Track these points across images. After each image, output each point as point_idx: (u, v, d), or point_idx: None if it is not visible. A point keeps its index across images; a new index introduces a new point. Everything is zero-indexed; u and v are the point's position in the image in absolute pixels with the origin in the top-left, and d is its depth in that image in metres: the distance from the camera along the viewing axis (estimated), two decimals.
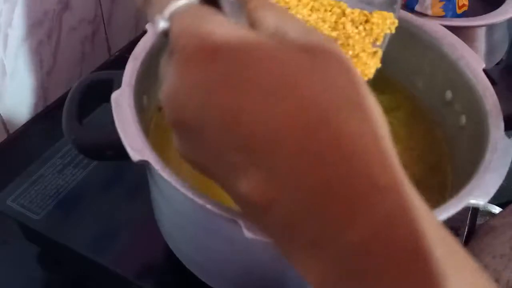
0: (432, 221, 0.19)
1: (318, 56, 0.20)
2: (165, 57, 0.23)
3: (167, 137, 0.46)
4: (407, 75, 0.52)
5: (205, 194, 0.32)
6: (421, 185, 0.44)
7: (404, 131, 0.48)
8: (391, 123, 0.49)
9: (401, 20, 0.49)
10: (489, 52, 0.67)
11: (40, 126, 0.62)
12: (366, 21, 0.38)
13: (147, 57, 0.42)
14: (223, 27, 0.20)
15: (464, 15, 0.66)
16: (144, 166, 0.34)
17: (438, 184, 0.44)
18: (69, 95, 0.42)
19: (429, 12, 0.64)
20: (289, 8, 0.36)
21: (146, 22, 0.44)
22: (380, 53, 0.39)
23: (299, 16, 0.36)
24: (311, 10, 0.37)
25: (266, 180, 0.18)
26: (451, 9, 0.64)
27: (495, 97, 0.42)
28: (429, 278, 0.17)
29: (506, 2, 0.66)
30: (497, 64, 0.70)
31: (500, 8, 0.65)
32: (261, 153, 0.18)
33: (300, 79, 0.19)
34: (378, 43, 0.39)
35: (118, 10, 0.70)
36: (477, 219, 0.55)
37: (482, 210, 0.56)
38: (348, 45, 0.37)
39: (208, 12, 0.21)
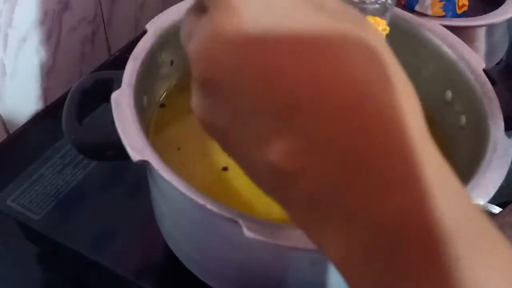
0: (463, 204, 0.18)
1: (354, 42, 0.18)
2: (192, 11, 0.21)
3: (167, 137, 0.46)
4: (407, 75, 0.52)
5: (205, 194, 0.32)
6: None
7: None
8: None
9: (401, 20, 0.50)
10: (489, 52, 0.67)
11: (40, 126, 0.62)
12: None
13: (147, 57, 0.42)
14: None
15: (464, 15, 0.66)
16: (144, 166, 0.34)
17: None
18: (69, 95, 0.42)
19: (429, 12, 0.64)
20: None
21: (146, 22, 0.44)
22: None
23: None
24: None
25: (300, 146, 0.17)
26: (451, 9, 0.64)
27: (495, 97, 0.42)
28: (446, 264, 0.17)
29: (506, 2, 0.66)
30: (497, 64, 0.70)
31: (500, 8, 0.65)
32: (300, 118, 0.17)
33: (344, 53, 0.18)
34: None
35: (118, 10, 0.70)
36: None
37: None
38: None
39: None
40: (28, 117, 0.63)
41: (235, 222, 0.31)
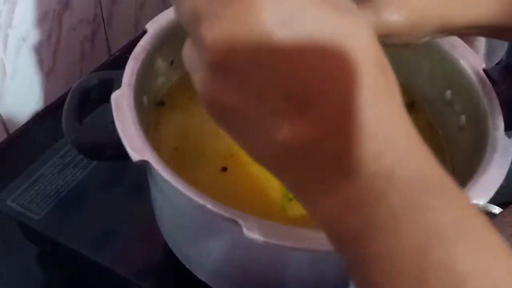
0: (431, 162, 0.22)
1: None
2: None
3: (166, 137, 0.46)
4: (407, 74, 0.52)
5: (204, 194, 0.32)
6: None
7: None
8: None
9: None
10: (489, 52, 0.67)
11: (40, 126, 0.62)
12: None
13: (147, 57, 0.42)
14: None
15: None
16: (144, 166, 0.34)
17: None
18: (69, 95, 0.42)
19: None
20: None
21: (146, 22, 0.44)
22: None
23: None
24: None
25: (313, 124, 0.19)
26: None
27: (495, 97, 0.42)
28: (432, 204, 0.20)
29: None
30: (497, 64, 0.70)
31: None
32: (316, 99, 0.19)
33: (355, 55, 0.20)
34: None
35: (118, 10, 0.70)
36: None
37: (482, 210, 0.56)
38: None
39: None
40: (28, 117, 0.63)
41: (235, 222, 0.31)
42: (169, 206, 0.40)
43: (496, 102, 0.41)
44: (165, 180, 0.33)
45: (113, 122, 0.35)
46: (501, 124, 0.39)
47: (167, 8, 0.45)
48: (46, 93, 0.64)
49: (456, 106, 0.46)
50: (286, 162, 0.21)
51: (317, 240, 0.30)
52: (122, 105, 0.36)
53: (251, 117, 0.20)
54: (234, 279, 0.41)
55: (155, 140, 0.44)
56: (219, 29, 0.19)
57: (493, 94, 0.42)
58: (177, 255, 0.43)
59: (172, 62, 0.48)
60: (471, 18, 0.38)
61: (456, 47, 0.46)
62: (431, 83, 0.49)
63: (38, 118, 0.63)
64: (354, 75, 0.19)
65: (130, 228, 0.49)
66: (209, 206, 0.31)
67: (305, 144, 0.20)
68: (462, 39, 0.47)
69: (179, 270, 0.43)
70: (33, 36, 0.58)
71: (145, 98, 0.43)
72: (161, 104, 0.48)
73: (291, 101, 0.19)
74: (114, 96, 0.37)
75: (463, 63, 0.45)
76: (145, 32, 0.44)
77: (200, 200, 0.32)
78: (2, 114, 0.58)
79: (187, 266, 0.43)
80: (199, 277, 0.42)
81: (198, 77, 0.21)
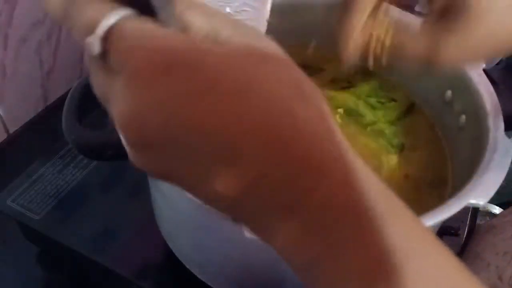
0: (374, 181, 0.22)
1: (259, 54, 0.21)
2: (100, 76, 0.22)
3: None
4: (407, 74, 0.52)
5: None
6: (421, 185, 0.44)
7: (403, 130, 0.48)
8: (391, 122, 0.49)
9: (401, 20, 0.49)
10: None
11: (40, 126, 0.62)
12: None
13: None
14: (167, 37, 0.20)
15: None
16: None
17: (438, 184, 0.44)
18: (69, 95, 0.42)
19: None
20: None
21: None
22: None
23: None
24: None
25: (240, 174, 0.20)
26: None
27: (495, 97, 0.42)
28: (369, 230, 0.20)
29: None
30: (497, 64, 0.70)
31: None
32: (234, 149, 0.20)
33: (255, 79, 0.20)
34: None
35: None
36: (477, 219, 0.55)
37: (482, 210, 0.56)
38: None
39: (148, 23, 0.21)
40: (28, 117, 0.63)
41: (235, 222, 0.31)
42: (169, 206, 0.40)
43: (496, 102, 0.41)
44: None
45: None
46: (501, 124, 0.39)
47: None
48: (46, 93, 0.64)
49: (456, 106, 0.46)
50: (232, 206, 0.21)
51: None
52: None
53: (185, 177, 0.22)
54: (234, 279, 0.41)
55: None
56: (122, 112, 0.20)
57: (493, 94, 0.42)
58: (177, 255, 0.43)
59: None
60: None
61: None
62: (431, 84, 0.49)
63: (38, 118, 0.63)
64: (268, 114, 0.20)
65: (130, 228, 0.49)
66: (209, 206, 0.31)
67: (243, 191, 0.20)
68: None
69: (179, 270, 0.43)
70: (33, 36, 0.58)
71: None
72: None
73: (215, 158, 0.20)
74: None
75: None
76: None
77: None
78: (2, 114, 0.58)
79: (187, 266, 0.43)
80: (199, 277, 0.42)
81: (128, 153, 0.22)
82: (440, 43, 0.34)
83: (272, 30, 0.54)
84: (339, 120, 0.48)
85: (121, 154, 0.34)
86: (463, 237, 0.50)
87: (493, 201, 0.37)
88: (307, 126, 0.20)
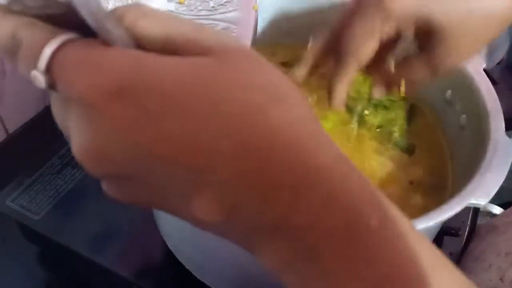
0: (368, 193, 0.19)
1: (221, 57, 0.19)
2: (57, 109, 0.21)
3: None
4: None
5: None
6: (421, 185, 0.44)
7: (404, 130, 0.48)
8: (390, 121, 0.49)
9: None
10: (490, 51, 0.67)
11: (40, 126, 0.62)
12: None
13: None
14: (112, 57, 0.18)
15: None
16: None
17: (439, 184, 0.44)
18: None
19: None
20: None
21: None
22: None
23: None
24: None
25: (218, 196, 0.18)
26: None
27: (495, 97, 0.42)
28: (365, 246, 0.18)
29: None
30: (498, 63, 0.70)
31: None
32: (205, 174, 0.18)
33: (215, 91, 0.18)
34: None
35: None
36: (478, 219, 0.55)
37: (483, 210, 0.56)
38: None
39: (92, 46, 0.19)
40: (28, 117, 0.62)
41: None
42: None
43: (496, 102, 0.41)
44: None
45: None
46: (501, 124, 0.39)
47: None
48: (46, 93, 0.63)
49: (456, 106, 0.46)
50: (217, 228, 0.20)
51: None
52: None
53: (159, 204, 0.20)
54: (234, 279, 0.41)
55: None
56: (78, 145, 0.19)
57: (494, 94, 0.42)
58: (177, 255, 0.43)
59: None
60: None
61: None
62: (431, 84, 0.49)
63: (37, 118, 0.63)
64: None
65: (129, 228, 0.49)
66: None
67: (222, 216, 0.19)
68: None
69: (179, 271, 0.43)
70: None
71: None
72: None
73: (185, 185, 0.18)
74: None
75: (464, 62, 0.45)
76: None
77: None
78: (1, 114, 0.58)
79: (187, 267, 0.43)
80: (198, 277, 0.42)
81: (102, 185, 0.21)
82: (436, 56, 0.39)
83: (273, 29, 0.54)
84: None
85: None
86: (463, 237, 0.50)
87: (493, 201, 0.37)
88: (284, 135, 0.18)
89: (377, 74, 0.42)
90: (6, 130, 0.60)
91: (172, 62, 0.19)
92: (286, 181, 0.18)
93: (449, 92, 0.47)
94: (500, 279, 0.43)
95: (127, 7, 0.20)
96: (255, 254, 0.20)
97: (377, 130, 0.48)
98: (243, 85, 0.18)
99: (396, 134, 0.47)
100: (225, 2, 0.37)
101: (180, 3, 0.37)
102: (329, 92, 0.41)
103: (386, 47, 0.39)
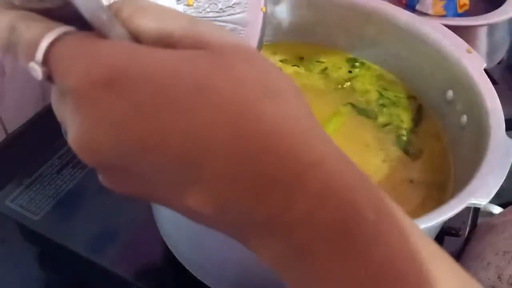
0: (364, 188, 0.19)
1: (215, 50, 0.19)
2: (55, 101, 0.21)
3: None
4: (408, 74, 0.52)
5: None
6: (422, 185, 0.44)
7: (410, 130, 0.48)
8: (391, 122, 0.49)
9: (401, 20, 0.49)
10: (490, 51, 0.67)
11: (39, 126, 0.62)
12: None
13: None
14: (106, 48, 0.19)
15: (465, 14, 0.65)
16: None
17: (439, 184, 0.44)
18: None
19: (430, 11, 0.63)
20: None
21: None
22: None
23: None
24: None
25: (209, 191, 0.18)
26: (452, 9, 0.64)
27: (496, 96, 0.42)
28: (360, 242, 0.18)
29: (507, 2, 0.66)
30: (498, 63, 0.70)
31: (501, 7, 0.65)
32: (196, 168, 0.18)
33: (206, 85, 0.18)
34: None
35: None
36: (478, 219, 0.55)
37: (483, 210, 0.56)
38: None
39: (86, 39, 0.19)
40: (27, 117, 0.62)
41: None
42: None
43: (497, 102, 0.41)
44: None
45: None
46: (502, 124, 0.39)
47: None
48: (45, 93, 0.63)
49: (457, 106, 0.46)
50: (211, 221, 0.20)
51: None
52: None
53: (154, 195, 0.21)
54: (234, 280, 0.41)
55: None
56: (74, 136, 0.19)
57: (494, 94, 0.42)
58: (176, 255, 0.43)
59: None
60: None
61: (457, 46, 0.46)
62: (432, 83, 0.49)
63: (37, 118, 0.63)
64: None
65: (129, 229, 0.49)
66: None
67: (215, 209, 0.19)
68: (463, 38, 0.46)
69: (179, 271, 0.43)
70: None
71: None
72: None
73: (178, 177, 0.19)
74: None
75: (464, 62, 0.45)
76: None
77: None
78: (1, 114, 0.58)
79: (187, 267, 0.43)
80: (198, 277, 0.42)
81: (99, 177, 0.21)
82: None
83: (273, 28, 0.54)
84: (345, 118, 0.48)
85: None
86: (464, 237, 0.50)
87: (493, 201, 0.37)
88: (276, 131, 0.18)
89: None
90: (5, 130, 0.60)
91: (165, 55, 0.19)
92: (279, 177, 0.18)
93: (449, 92, 0.47)
94: (498, 277, 0.43)
95: (123, 1, 0.20)
96: (249, 248, 0.20)
97: (383, 127, 0.48)
98: (236, 80, 0.18)
99: (403, 132, 0.47)
100: (233, 4, 0.37)
101: (188, 5, 0.37)
102: None
103: None
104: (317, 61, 0.54)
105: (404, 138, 0.47)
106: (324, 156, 0.18)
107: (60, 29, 0.19)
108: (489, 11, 0.64)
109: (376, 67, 0.54)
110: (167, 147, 0.18)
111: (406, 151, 0.46)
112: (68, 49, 0.19)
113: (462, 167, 0.43)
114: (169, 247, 0.44)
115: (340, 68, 0.54)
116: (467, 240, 0.51)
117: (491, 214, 0.57)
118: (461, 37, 0.46)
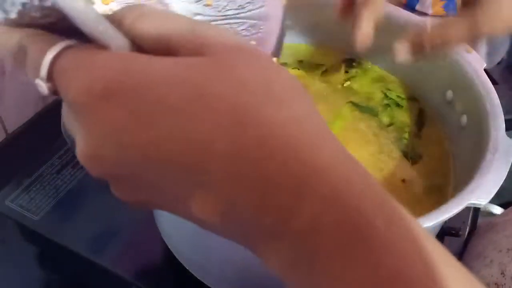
0: (372, 192, 0.18)
1: (216, 55, 0.19)
2: (65, 115, 0.22)
3: None
4: (408, 74, 0.52)
5: None
6: (422, 185, 0.44)
7: (413, 133, 0.48)
8: (391, 122, 0.49)
9: (401, 19, 0.49)
10: (490, 51, 0.67)
11: (39, 126, 0.62)
12: None
13: None
14: (104, 59, 0.19)
15: None
16: None
17: (439, 184, 0.44)
18: None
19: (430, 11, 0.63)
20: None
21: None
22: None
23: None
24: None
25: (213, 197, 0.18)
26: (452, 8, 0.64)
27: (496, 97, 0.42)
28: (370, 248, 0.17)
29: None
30: (498, 63, 0.70)
31: None
32: (200, 174, 0.18)
33: (206, 92, 0.18)
34: None
35: None
36: (478, 219, 0.55)
37: (483, 210, 0.56)
38: None
39: (85, 52, 0.19)
40: (27, 117, 0.62)
41: None
42: None
43: (497, 102, 0.41)
44: None
45: None
46: (502, 124, 0.39)
47: None
48: None
49: (457, 106, 0.46)
50: (217, 227, 0.20)
51: None
52: None
53: (161, 203, 0.21)
54: (234, 280, 0.41)
55: None
56: (80, 149, 0.20)
57: (494, 94, 0.42)
58: (177, 255, 0.43)
59: None
60: None
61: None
62: (431, 83, 0.49)
63: (36, 118, 0.63)
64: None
65: (129, 229, 0.49)
66: None
67: (220, 215, 0.19)
68: None
69: (179, 271, 0.43)
70: None
71: None
72: None
73: (182, 185, 0.19)
74: None
75: (464, 63, 0.45)
76: None
77: None
78: (1, 114, 0.58)
79: (187, 267, 0.43)
80: (198, 278, 0.42)
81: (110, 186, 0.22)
82: (478, 18, 0.38)
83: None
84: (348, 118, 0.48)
85: None
86: (464, 237, 0.50)
87: (493, 201, 0.37)
88: (278, 134, 0.18)
89: (407, 35, 0.41)
90: (5, 130, 0.60)
91: (164, 63, 0.18)
92: (284, 183, 0.17)
93: (449, 92, 0.47)
94: (502, 273, 0.43)
95: (126, 8, 0.21)
96: (256, 254, 0.20)
97: (387, 127, 0.48)
98: (237, 83, 0.18)
99: (406, 135, 0.47)
100: None
101: (207, 5, 0.36)
102: (354, 25, 0.39)
103: None
104: (317, 64, 0.54)
105: (406, 140, 0.47)
106: (330, 160, 0.18)
107: (61, 44, 0.20)
108: None
109: (376, 67, 0.54)
110: (169, 156, 0.18)
111: (406, 154, 0.46)
112: (69, 63, 0.19)
113: (462, 167, 0.43)
114: (169, 247, 0.44)
115: (338, 69, 0.54)
116: (468, 240, 0.51)
117: (491, 214, 0.57)
118: None
